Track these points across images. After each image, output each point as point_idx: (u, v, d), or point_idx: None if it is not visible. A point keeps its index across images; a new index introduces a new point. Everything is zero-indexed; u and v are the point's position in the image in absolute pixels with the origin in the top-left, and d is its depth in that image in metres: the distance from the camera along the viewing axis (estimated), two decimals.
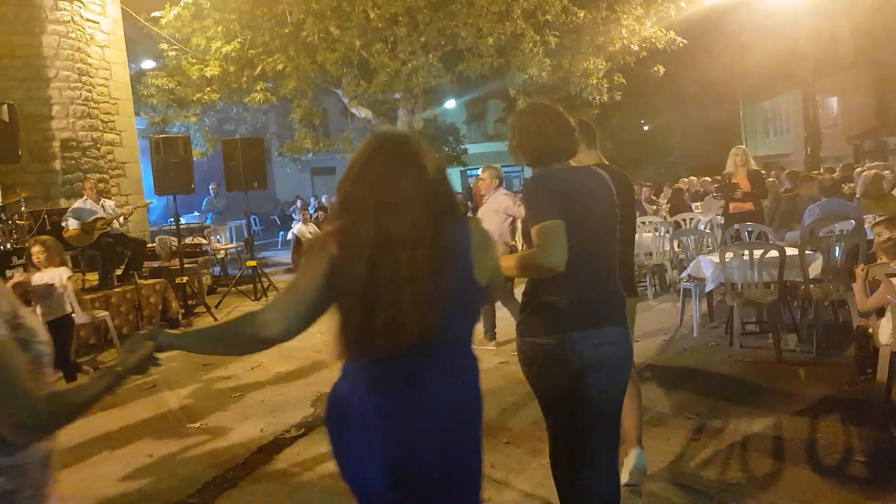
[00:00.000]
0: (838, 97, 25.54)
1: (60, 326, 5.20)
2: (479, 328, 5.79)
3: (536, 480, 3.41)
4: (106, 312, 6.81)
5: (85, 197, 8.00)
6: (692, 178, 15.95)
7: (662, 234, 7.82)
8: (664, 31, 13.17)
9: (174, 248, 9.78)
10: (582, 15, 11.99)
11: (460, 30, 11.40)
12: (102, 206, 8.03)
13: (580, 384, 2.21)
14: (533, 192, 2.25)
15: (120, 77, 10.98)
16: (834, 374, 4.69)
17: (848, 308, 5.46)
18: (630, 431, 3.13)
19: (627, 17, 12.66)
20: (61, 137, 9.82)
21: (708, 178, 14.00)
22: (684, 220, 9.04)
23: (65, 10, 9.88)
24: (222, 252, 11.78)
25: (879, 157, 18.38)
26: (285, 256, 14.63)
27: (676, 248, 6.90)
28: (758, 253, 5.13)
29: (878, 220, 6.38)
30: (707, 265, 5.58)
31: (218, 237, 12.75)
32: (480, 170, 6.69)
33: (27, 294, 4.93)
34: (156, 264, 9.54)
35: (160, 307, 8.13)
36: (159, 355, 1.56)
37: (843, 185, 8.78)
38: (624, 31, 12.86)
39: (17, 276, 5.24)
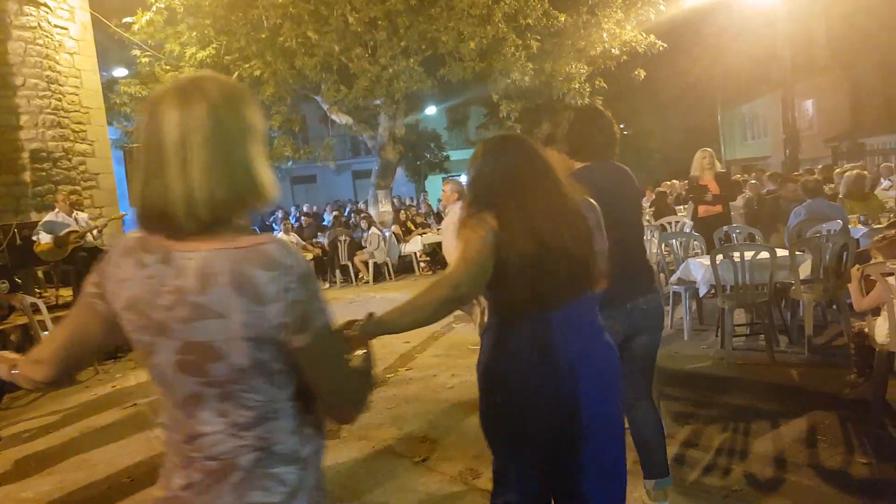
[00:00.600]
0: (814, 100, 25.88)
1: None
2: None
3: None
4: None
5: (57, 209, 7.77)
6: (674, 181, 15.99)
7: (649, 237, 7.74)
8: (644, 35, 13.19)
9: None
10: (563, 19, 11.95)
11: (441, 34, 11.29)
12: (75, 218, 7.79)
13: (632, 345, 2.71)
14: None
15: (91, 85, 10.70)
16: (827, 375, 4.63)
17: (837, 308, 5.42)
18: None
19: (608, 21, 12.66)
20: (31, 148, 9.52)
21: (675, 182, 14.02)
22: (669, 223, 8.99)
23: (31, 15, 9.60)
24: None
25: (856, 159, 18.61)
26: None
27: (664, 251, 6.82)
28: (749, 255, 5.05)
29: (863, 220, 6.39)
30: (697, 268, 5.50)
31: None
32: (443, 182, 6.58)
33: None
34: None
35: None
36: None
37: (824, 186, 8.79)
38: (605, 35, 12.85)
39: None
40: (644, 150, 28.23)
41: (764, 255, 5.05)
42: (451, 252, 3.77)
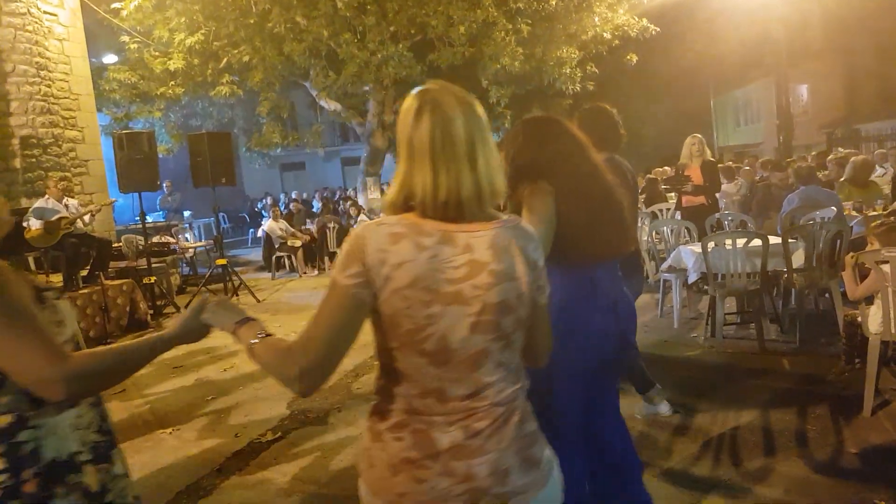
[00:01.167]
0: (808, 85, 25.83)
1: None
2: None
3: None
4: None
5: (47, 196, 7.70)
6: (665, 167, 15.93)
7: (640, 224, 7.72)
8: (637, 19, 13.09)
9: (141, 247, 9.47)
10: (554, 3, 11.81)
11: (430, 18, 11.17)
12: (66, 204, 7.73)
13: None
14: None
15: (80, 71, 10.57)
16: (818, 364, 4.65)
17: (829, 297, 5.44)
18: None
19: (600, 5, 12.54)
20: (21, 135, 9.43)
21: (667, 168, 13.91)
22: (661, 210, 8.98)
23: (20, 1, 9.46)
24: (191, 251, 11.45)
25: (851, 145, 18.60)
26: (256, 254, 14.33)
27: (655, 238, 6.80)
28: (741, 242, 5.05)
29: (857, 208, 6.38)
30: (688, 255, 5.50)
31: (186, 235, 12.41)
32: None
33: None
34: (122, 264, 9.24)
35: (128, 308, 7.86)
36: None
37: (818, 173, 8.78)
38: (597, 19, 12.74)
39: None
40: (636, 135, 28.07)
41: (756, 242, 5.05)
42: None
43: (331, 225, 11.96)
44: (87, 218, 7.78)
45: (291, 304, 8.99)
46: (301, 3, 11.11)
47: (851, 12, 18.06)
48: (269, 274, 11.89)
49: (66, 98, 10.16)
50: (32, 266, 8.27)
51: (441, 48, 11.86)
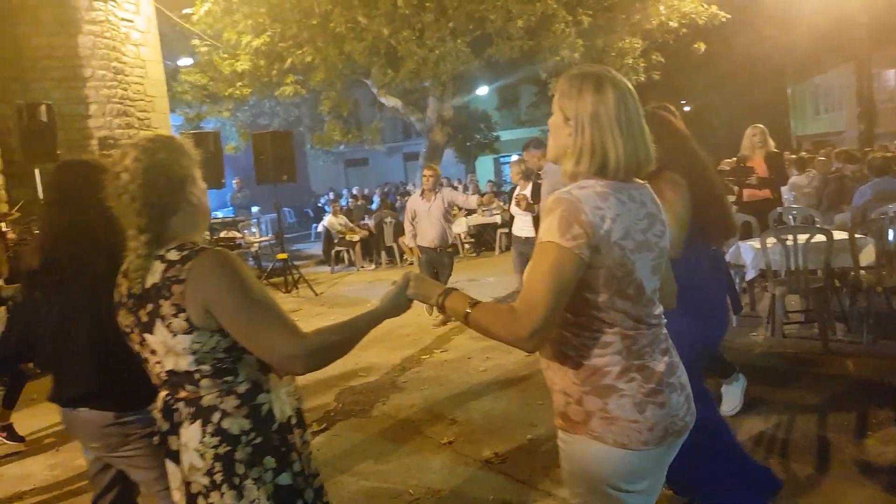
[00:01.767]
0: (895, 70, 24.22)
1: None
2: None
3: None
4: None
5: None
6: (731, 158, 15.30)
7: None
8: (705, 6, 12.63)
9: (208, 241, 9.84)
10: None
11: (489, 13, 11.13)
12: None
13: None
14: None
15: (155, 74, 11.09)
16: (885, 367, 4.38)
17: None
18: None
19: None
20: (98, 136, 9.99)
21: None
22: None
23: (99, 10, 10.01)
24: (255, 245, 11.85)
25: None
26: (318, 248, 14.68)
27: None
28: (802, 238, 4.80)
29: None
30: (747, 251, 5.27)
31: (253, 230, 12.84)
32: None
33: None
34: None
35: None
36: None
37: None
38: (662, 8, 12.37)
39: None
40: (707, 125, 27.15)
41: (819, 237, 4.79)
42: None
43: (388, 220, 12.12)
44: None
45: (347, 298, 9.18)
46: (361, 2, 11.31)
47: None
48: (329, 268, 12.17)
49: (141, 100, 10.69)
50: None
51: (499, 42, 11.81)
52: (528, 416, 4.12)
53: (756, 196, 6.36)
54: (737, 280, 5.67)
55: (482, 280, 9.48)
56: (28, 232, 6.98)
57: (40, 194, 8.24)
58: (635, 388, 1.51)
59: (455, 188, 16.28)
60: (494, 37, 11.85)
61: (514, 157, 6.66)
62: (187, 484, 1.59)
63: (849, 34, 17.13)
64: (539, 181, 5.88)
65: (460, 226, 12.50)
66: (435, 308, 1.64)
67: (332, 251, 12.34)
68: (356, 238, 12.20)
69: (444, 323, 6.60)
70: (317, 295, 9.44)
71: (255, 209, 16.59)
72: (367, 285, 10.00)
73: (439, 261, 6.76)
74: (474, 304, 1.53)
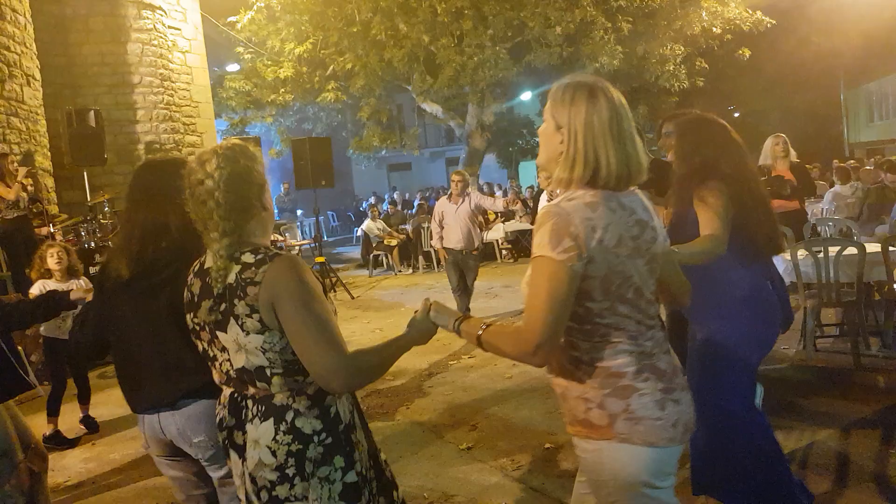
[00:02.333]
0: None
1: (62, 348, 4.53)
2: None
3: None
4: None
5: None
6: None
7: None
8: (750, 12, 12.40)
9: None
10: None
11: (528, 20, 11.18)
12: None
13: None
14: None
15: (201, 81, 11.49)
16: None
17: None
18: None
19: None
20: (145, 140, 10.41)
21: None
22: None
23: (147, 18, 10.44)
24: (296, 248, 12.13)
25: None
26: (358, 252, 14.92)
27: None
28: (833, 250, 4.70)
29: None
30: (779, 263, 5.18)
31: (297, 233, 13.14)
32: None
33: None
34: None
35: None
36: None
37: None
38: (704, 14, 12.20)
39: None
40: (756, 132, 26.52)
41: (851, 250, 4.69)
42: None
43: (425, 225, 12.23)
44: None
45: (382, 302, 9.32)
46: (402, 10, 11.50)
47: None
48: (367, 271, 12.37)
49: (186, 106, 11.08)
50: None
51: (537, 49, 11.83)
52: (549, 425, 4.14)
53: (786, 207, 6.16)
54: None
55: (516, 287, 9.50)
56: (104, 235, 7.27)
57: (88, 197, 8.67)
58: (652, 387, 1.55)
59: (491, 194, 16.30)
60: (533, 43, 11.88)
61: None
62: (252, 478, 1.64)
63: None
64: None
65: (498, 232, 12.53)
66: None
67: (371, 255, 12.54)
68: (394, 242, 12.36)
69: None
70: (353, 298, 9.61)
71: (299, 212, 16.97)
72: (403, 290, 10.13)
73: (465, 263, 6.84)
74: (486, 326, 1.57)
